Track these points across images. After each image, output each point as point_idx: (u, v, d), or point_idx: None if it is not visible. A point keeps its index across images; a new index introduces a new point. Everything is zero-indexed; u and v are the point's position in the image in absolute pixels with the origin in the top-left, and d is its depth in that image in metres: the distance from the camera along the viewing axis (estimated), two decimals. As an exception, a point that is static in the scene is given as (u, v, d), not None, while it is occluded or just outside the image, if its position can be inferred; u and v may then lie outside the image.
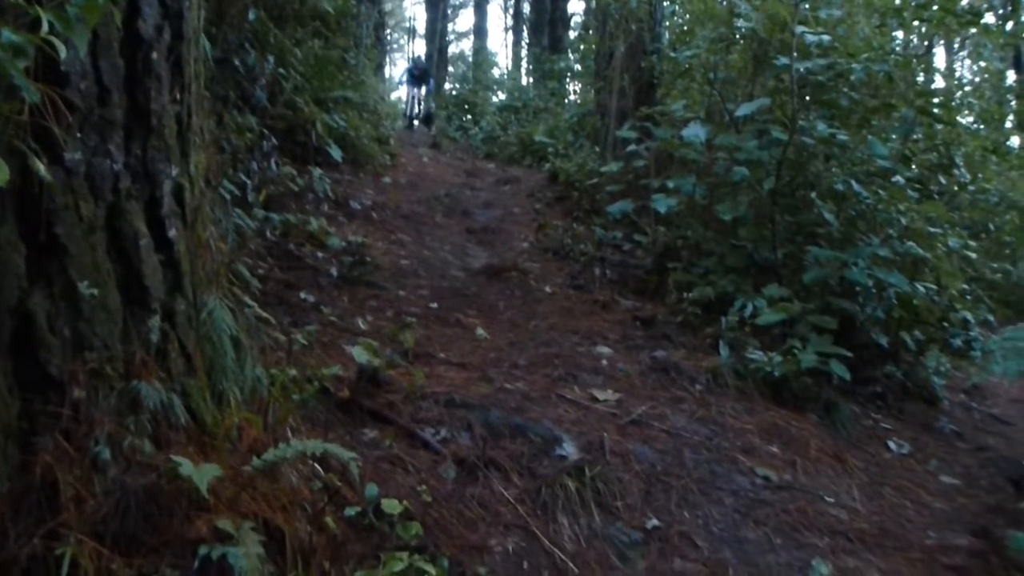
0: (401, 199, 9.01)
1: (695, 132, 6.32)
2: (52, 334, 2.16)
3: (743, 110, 5.85)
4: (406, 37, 35.44)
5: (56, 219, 2.17)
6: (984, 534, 3.86)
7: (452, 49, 33.48)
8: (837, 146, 5.74)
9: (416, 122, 18.24)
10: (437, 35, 27.36)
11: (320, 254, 6.11)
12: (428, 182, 10.76)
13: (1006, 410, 6.99)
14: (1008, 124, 13.72)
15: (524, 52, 27.34)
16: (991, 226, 10.72)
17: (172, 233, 2.47)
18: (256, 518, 2.30)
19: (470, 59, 28.10)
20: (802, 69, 5.87)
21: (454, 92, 20.93)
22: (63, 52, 1.80)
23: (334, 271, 5.78)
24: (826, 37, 6.01)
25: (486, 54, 25.31)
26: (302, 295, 5.13)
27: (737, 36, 6.87)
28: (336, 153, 8.82)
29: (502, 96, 19.94)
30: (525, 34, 26.48)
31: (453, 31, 34.99)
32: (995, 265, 10.12)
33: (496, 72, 24.02)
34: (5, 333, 2.10)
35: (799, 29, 5.86)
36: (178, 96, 2.52)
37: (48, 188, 2.13)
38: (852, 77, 5.95)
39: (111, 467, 2.14)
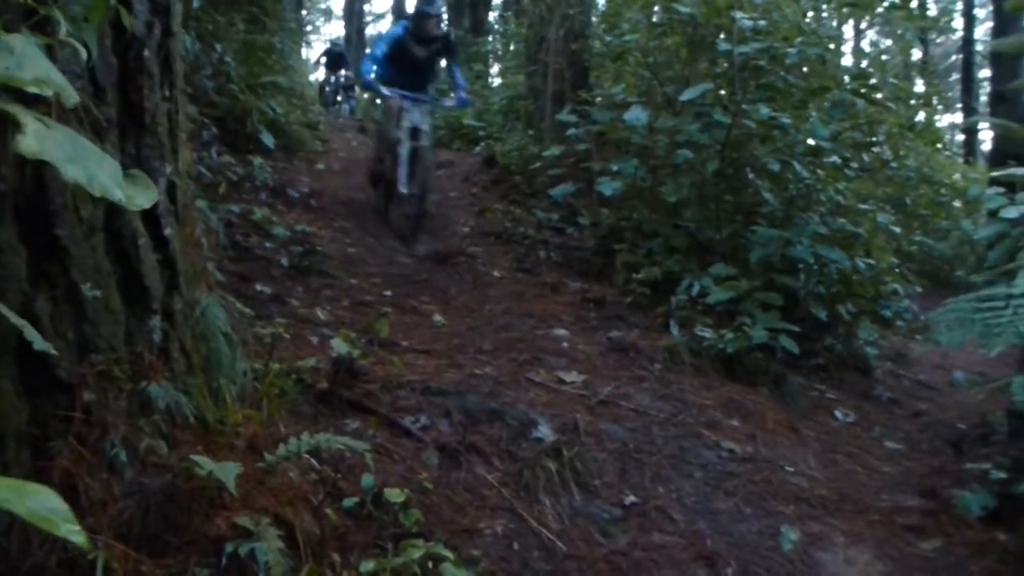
0: (337, 185, 8.93)
1: (637, 116, 6.44)
2: (58, 337, 2.13)
3: (687, 95, 5.99)
4: (323, 19, 34.88)
5: (56, 221, 2.14)
6: (932, 495, 4.09)
7: (370, 31, 33.07)
8: (777, 128, 5.93)
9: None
10: (354, 16, 27.02)
11: (268, 244, 6.04)
12: (361, 167, 10.65)
13: (931, 376, 7.36)
14: (912, 101, 14.34)
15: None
16: (907, 200, 11.20)
17: (168, 231, 2.45)
18: (269, 513, 2.32)
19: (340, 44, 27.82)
20: (740, 53, 6.04)
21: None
22: (84, 53, 1.79)
23: (285, 261, 5.74)
24: (762, 22, 6.20)
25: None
26: (258, 287, 5.08)
27: (674, 20, 6.99)
28: (269, 140, 8.68)
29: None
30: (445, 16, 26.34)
31: (371, 12, 34.56)
32: (916, 238, 10.57)
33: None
34: (11, 338, 2.06)
35: (736, 14, 6.03)
36: (167, 93, 2.50)
37: (47, 190, 2.10)
38: (787, 61, 6.14)
39: (127, 469, 2.13)
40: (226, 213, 5.99)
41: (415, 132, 7.47)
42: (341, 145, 11.88)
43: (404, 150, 7.35)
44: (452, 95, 8.04)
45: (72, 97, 1.25)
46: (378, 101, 8.96)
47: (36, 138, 1.01)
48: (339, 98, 18.75)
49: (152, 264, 2.39)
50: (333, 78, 18.87)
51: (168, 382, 2.33)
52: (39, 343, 1.73)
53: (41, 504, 0.62)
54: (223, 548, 2.07)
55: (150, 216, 2.41)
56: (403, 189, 7.34)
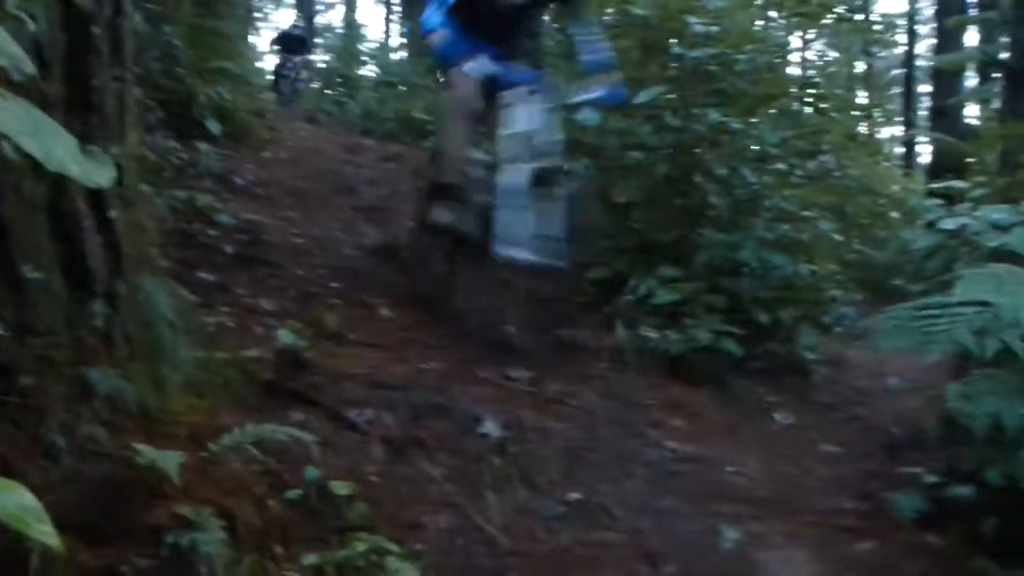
0: (284, 174, 8.82)
1: (589, 115, 6.46)
2: (-5, 320, 2.07)
3: (641, 97, 6.03)
4: (273, 6, 34.38)
5: (-1, 198, 2.08)
6: (867, 497, 4.19)
7: (320, 20, 32.72)
8: (726, 133, 6.01)
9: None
10: (305, 4, 26.71)
11: (212, 232, 5.94)
12: (309, 157, 10.54)
13: (868, 382, 7.52)
14: (855, 112, 14.67)
15: (396, 26, 27.05)
16: (848, 209, 11.41)
17: (113, 214, 2.39)
18: (211, 504, 2.28)
19: (338, 31, 27.54)
20: (692, 57, 6.11)
21: (325, 65, 20.25)
22: (32, 26, 1.73)
23: (229, 249, 5.64)
24: (715, 27, 6.27)
25: (357, 27, 24.89)
26: (201, 274, 4.99)
27: (628, 23, 7.04)
28: (215, 126, 8.52)
29: (376, 70, 19.57)
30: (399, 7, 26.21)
31: (321, 1, 34.17)
32: (855, 246, 10.78)
33: (368, 46, 23.63)
34: (-54, 319, 2.00)
35: (690, 19, 6.09)
36: (116, 72, 2.44)
37: (-11, 166, 2.03)
38: (738, 67, 6.23)
39: (65, 456, 2.07)
40: (170, 199, 5.87)
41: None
42: (289, 134, 11.73)
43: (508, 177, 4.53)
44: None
45: (28, 67, 1.21)
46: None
47: (-9, 109, 0.97)
48: (297, 86, 17.36)
49: (96, 246, 2.34)
50: (291, 63, 17.24)
51: (110, 368, 2.27)
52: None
53: (11, 501, 0.59)
54: (164, 538, 2.03)
55: (95, 197, 2.35)
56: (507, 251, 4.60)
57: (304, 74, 17.69)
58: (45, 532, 0.60)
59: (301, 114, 15.19)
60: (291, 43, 17.47)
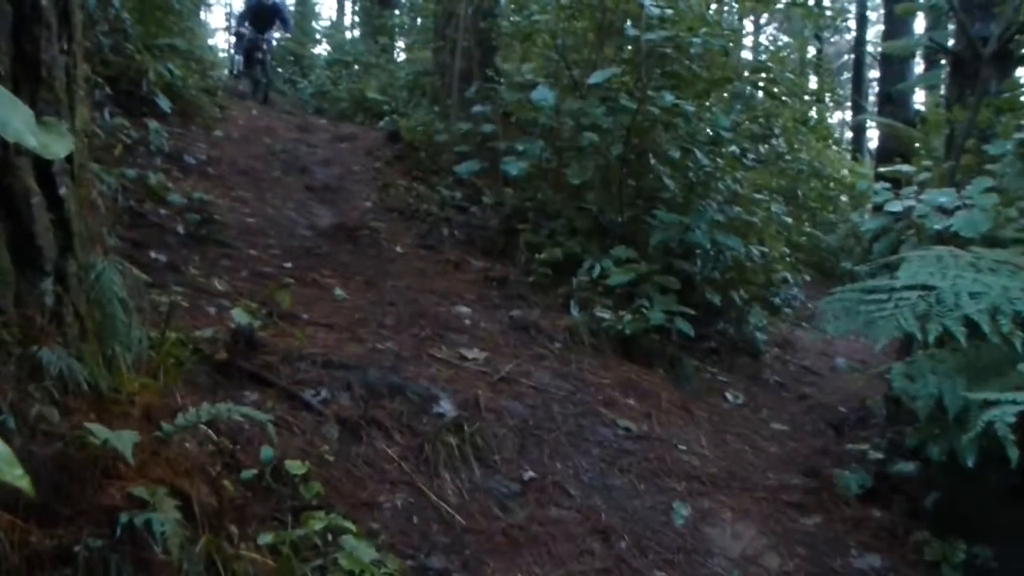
0: (236, 154, 8.70)
1: (544, 96, 6.48)
2: (-58, 298, 2.03)
3: (595, 78, 6.06)
4: (223, -18, 33.60)
5: (-57, 175, 2.04)
6: (814, 474, 4.29)
7: (272, -3, 32.05)
8: (680, 116, 6.06)
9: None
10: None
11: (163, 211, 5.84)
12: (261, 136, 10.40)
13: (815, 362, 7.68)
14: (806, 97, 14.84)
15: (348, 5, 26.68)
16: (799, 193, 11.58)
17: (63, 191, 2.35)
18: (165, 484, 2.26)
19: (291, 9, 27.03)
20: (646, 40, 6.13)
21: (283, 43, 19.82)
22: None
23: (181, 229, 5.56)
24: (669, 10, 6.31)
25: (310, 5, 24.49)
26: (152, 254, 4.92)
27: (583, 4, 7.05)
28: (165, 104, 8.37)
29: (328, 49, 19.30)
30: (350, -14, 25.85)
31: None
32: (808, 229, 10.95)
33: (321, 24, 23.30)
34: None
35: (645, 1, 6.12)
36: (65, 46, 2.39)
37: (-66, 141, 1.99)
38: (692, 50, 6.28)
39: (15, 436, 2.04)
40: (119, 177, 5.76)
41: None
42: (240, 113, 11.55)
43: None
44: None
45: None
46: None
47: (-53, 79, 0.95)
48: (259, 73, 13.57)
49: (45, 224, 2.29)
50: (264, 44, 13.55)
51: (60, 347, 2.24)
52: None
53: None
54: (117, 518, 2.01)
55: (44, 174, 2.31)
56: None
57: (268, 70, 14.08)
58: (17, 476, 0.60)
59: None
60: (263, 17, 13.47)
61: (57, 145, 1.37)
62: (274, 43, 14.26)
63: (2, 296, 2.15)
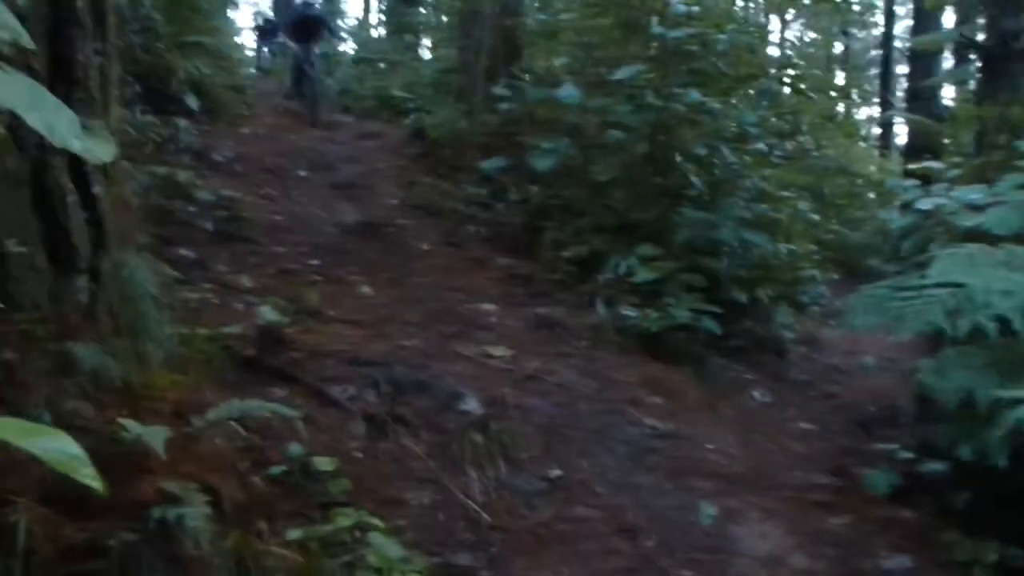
0: (262, 151, 8.76)
1: (570, 93, 6.47)
2: (-23, 295, 2.06)
3: (620, 74, 6.04)
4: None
5: (-20, 173, 2.07)
6: (842, 473, 4.26)
7: (297, -3, 32.21)
8: (706, 113, 6.03)
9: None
10: (283, -20, 26.31)
11: (191, 208, 5.91)
12: (287, 134, 10.47)
13: (842, 361, 7.62)
14: (832, 93, 14.74)
15: (374, 3, 26.75)
16: (825, 190, 11.51)
17: (97, 189, 2.39)
18: (195, 479, 2.29)
19: (317, 6, 27.14)
20: (672, 37, 6.11)
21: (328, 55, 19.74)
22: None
23: (209, 226, 5.62)
24: (695, 8, 6.29)
25: (337, 4, 24.58)
26: (181, 251, 4.98)
27: (608, 2, 7.04)
28: (193, 102, 8.47)
29: (354, 47, 19.37)
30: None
31: (299, -24, 33.59)
32: (834, 226, 10.87)
33: (348, 22, 23.41)
34: (-71, 293, 1.99)
35: (670, -1, 6.11)
36: (100, 46, 2.42)
37: (-29, 141, 2.02)
38: (718, 47, 6.25)
39: (50, 431, 2.07)
40: (150, 175, 5.83)
41: None
42: (266, 110, 11.63)
43: None
44: None
45: (27, 42, 1.21)
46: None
47: (-2, 84, 0.97)
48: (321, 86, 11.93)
49: (80, 222, 2.33)
50: (312, 55, 11.83)
51: (94, 343, 2.28)
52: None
53: (56, 447, 0.61)
54: (149, 513, 2.04)
55: (79, 173, 2.34)
56: None
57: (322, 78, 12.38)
58: (89, 476, 0.63)
59: (280, 90, 13.32)
60: (308, 29, 12.09)
61: (101, 149, 1.39)
62: (320, 55, 12.20)
63: (38, 293, 2.18)
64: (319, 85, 11.85)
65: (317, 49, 12.06)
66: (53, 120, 1.05)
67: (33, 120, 1.02)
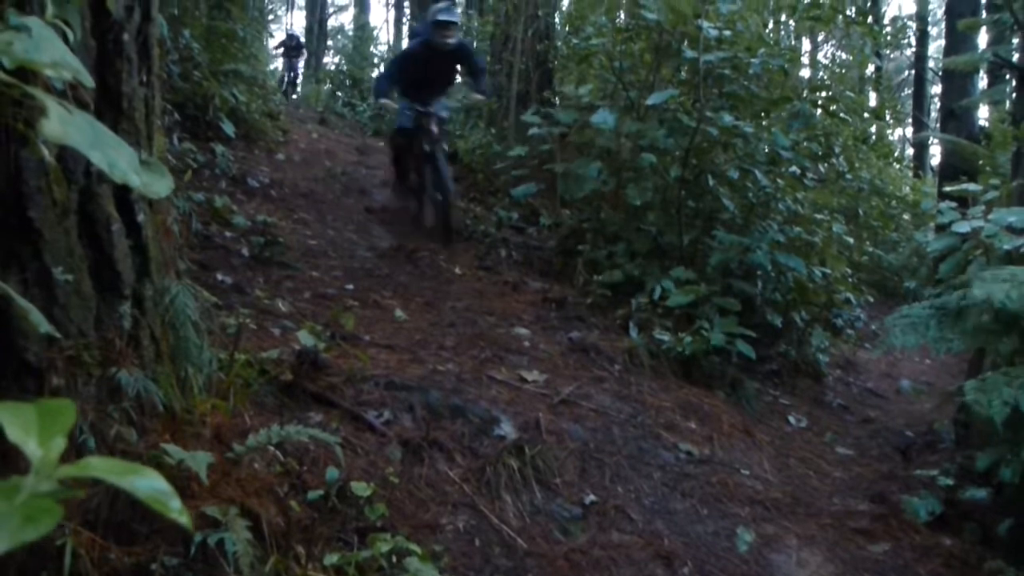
0: (297, 176, 8.87)
1: (604, 118, 6.49)
2: (28, 321, 2.10)
3: (653, 99, 6.06)
4: (285, 7, 34.46)
5: (30, 203, 2.11)
6: (881, 499, 4.20)
7: (332, 22, 32.80)
8: (739, 136, 6.03)
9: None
10: (317, 7, 26.78)
11: (228, 233, 5.99)
12: (321, 159, 10.61)
13: (879, 384, 7.54)
14: (866, 114, 14.63)
15: (405, 28, 27.02)
16: (860, 211, 11.41)
17: (141, 217, 2.43)
18: (235, 504, 2.31)
19: (350, 32, 27.53)
20: (704, 61, 6.12)
21: (343, 67, 20.21)
22: (71, 36, 1.76)
23: (246, 251, 5.69)
24: (727, 31, 6.30)
25: (369, 28, 24.91)
26: (219, 276, 5.04)
27: (640, 26, 7.06)
28: (229, 128, 8.60)
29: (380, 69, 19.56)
30: (407, 10, 26.20)
31: (333, 3, 34.25)
32: (869, 249, 10.77)
33: (379, 48, 23.68)
34: (-21, 321, 2.04)
35: (702, 23, 6.11)
36: (144, 78, 2.47)
37: (22, 171, 2.07)
38: (750, 70, 6.25)
39: (95, 456, 2.11)
40: (188, 201, 5.92)
41: None
42: (301, 136, 11.79)
43: None
44: None
45: (89, 81, 1.24)
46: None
47: (60, 122, 1.00)
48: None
49: (124, 250, 2.37)
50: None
51: (138, 369, 2.31)
52: (44, 326, 1.72)
53: (148, 484, 0.63)
54: (191, 538, 2.06)
55: (123, 201, 2.39)
56: None
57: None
58: (178, 511, 0.64)
59: (314, 116, 15.26)
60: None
61: (158, 184, 1.43)
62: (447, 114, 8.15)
63: (83, 319, 2.22)
64: (449, 180, 7.52)
65: (445, 112, 7.98)
66: (114, 157, 1.08)
67: (96, 158, 1.05)
